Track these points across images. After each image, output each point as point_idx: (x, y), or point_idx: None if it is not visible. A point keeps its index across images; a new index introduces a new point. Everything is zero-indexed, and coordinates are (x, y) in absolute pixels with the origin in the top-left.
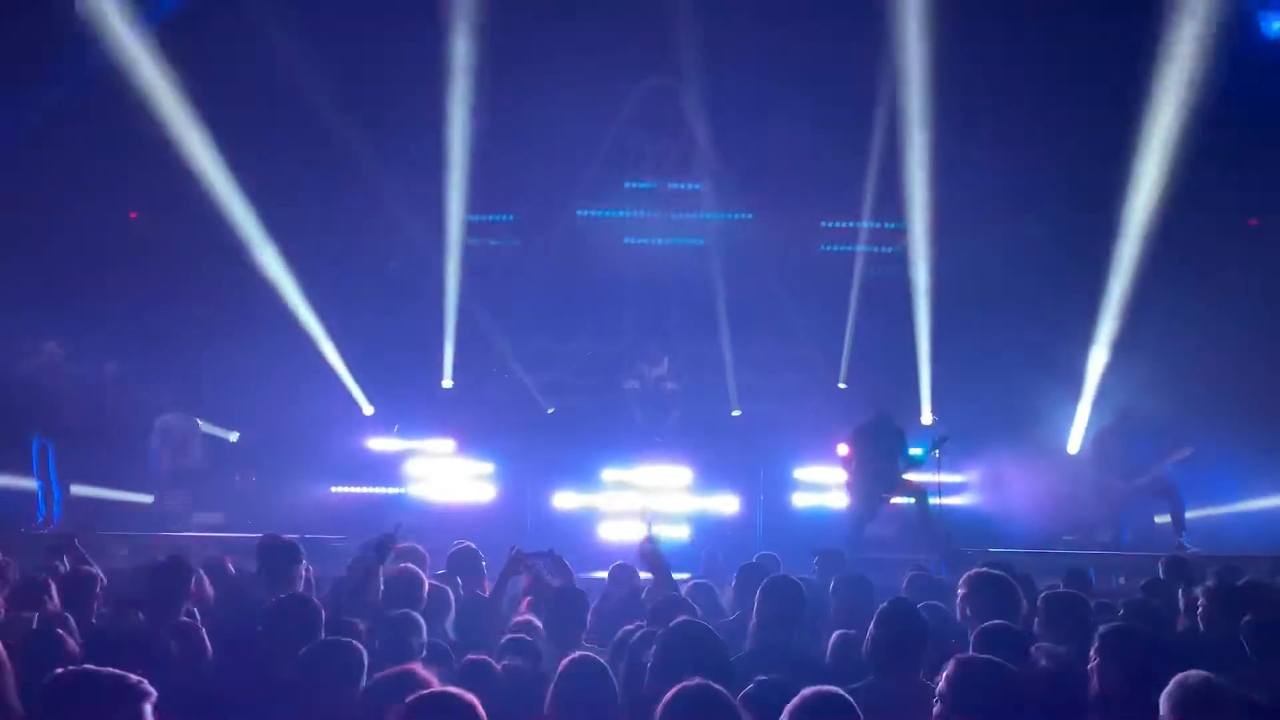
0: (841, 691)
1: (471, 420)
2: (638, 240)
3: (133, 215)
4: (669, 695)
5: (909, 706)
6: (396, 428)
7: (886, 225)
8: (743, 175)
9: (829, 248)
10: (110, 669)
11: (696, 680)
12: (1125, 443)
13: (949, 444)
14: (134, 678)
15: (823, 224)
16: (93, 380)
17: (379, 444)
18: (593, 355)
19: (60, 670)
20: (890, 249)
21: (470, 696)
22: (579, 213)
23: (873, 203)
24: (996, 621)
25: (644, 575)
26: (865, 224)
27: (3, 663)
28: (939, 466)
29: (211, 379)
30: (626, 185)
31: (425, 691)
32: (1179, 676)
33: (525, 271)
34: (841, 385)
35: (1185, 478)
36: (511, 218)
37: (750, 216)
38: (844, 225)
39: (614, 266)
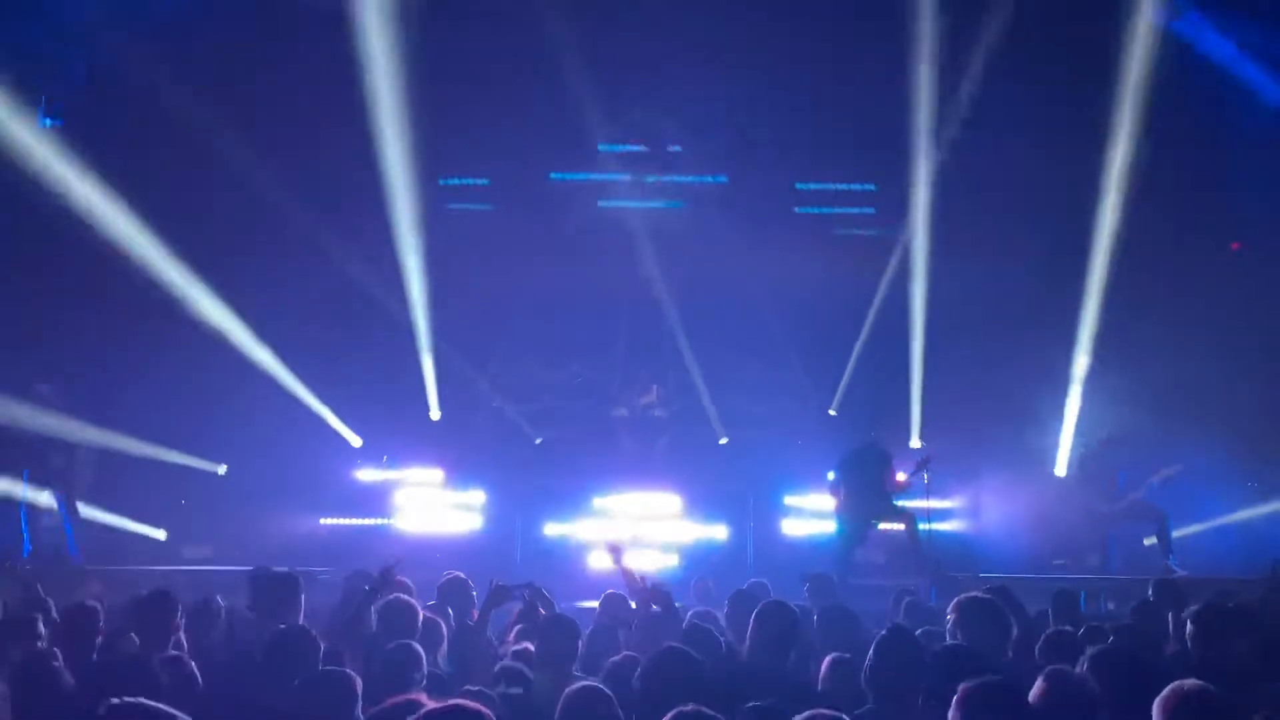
0: (844, 717)
1: (460, 451)
2: (613, 204)
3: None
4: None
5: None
6: (385, 459)
7: (861, 186)
8: (718, 137)
9: (805, 209)
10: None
11: (692, 707)
12: (1110, 466)
13: (934, 467)
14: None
15: (796, 185)
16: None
17: (367, 475)
18: (582, 382)
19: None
20: (869, 210)
21: (479, 707)
22: (553, 175)
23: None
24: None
25: (633, 604)
26: (839, 185)
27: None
28: (927, 491)
29: (199, 412)
30: (601, 149)
31: (440, 705)
32: (1174, 684)
33: (500, 241)
34: (832, 412)
35: (1169, 495)
36: (487, 182)
37: (725, 179)
38: (818, 187)
39: (593, 241)
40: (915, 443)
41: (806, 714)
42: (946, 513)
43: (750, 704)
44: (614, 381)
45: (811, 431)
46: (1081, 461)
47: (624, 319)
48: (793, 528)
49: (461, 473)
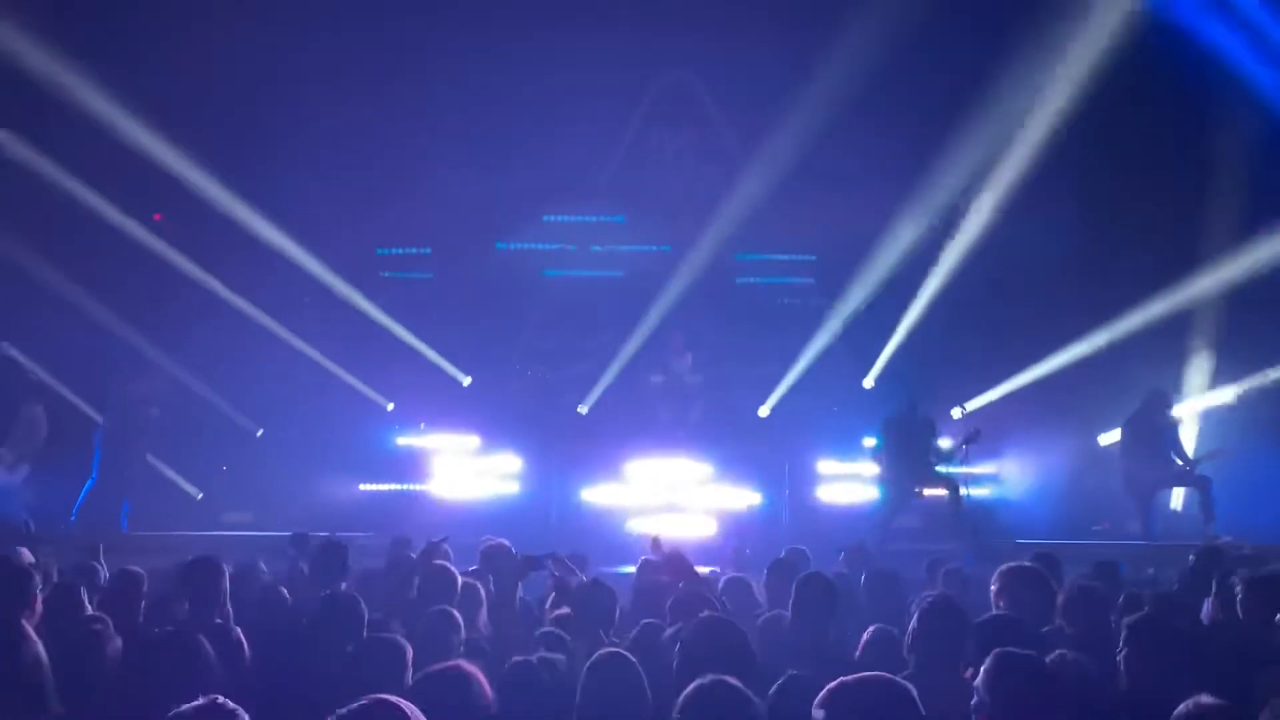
0: (899, 679)
1: (495, 416)
2: (557, 273)
3: (157, 217)
4: (686, 692)
5: (949, 700)
6: (422, 425)
7: (798, 258)
8: (661, 208)
9: (745, 280)
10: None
11: (712, 677)
12: (1155, 433)
13: (974, 433)
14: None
15: (736, 257)
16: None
17: (405, 440)
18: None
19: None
20: (806, 280)
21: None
22: (498, 245)
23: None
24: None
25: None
26: (779, 256)
27: (42, 663)
28: (967, 460)
29: (238, 375)
30: (546, 219)
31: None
32: (1191, 702)
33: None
34: (868, 384)
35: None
36: (429, 250)
37: (668, 249)
38: (758, 258)
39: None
40: (956, 413)
41: (857, 675)
42: (985, 478)
43: (790, 673)
44: (648, 348)
45: (846, 398)
46: (1128, 427)
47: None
48: (828, 494)
49: (497, 437)
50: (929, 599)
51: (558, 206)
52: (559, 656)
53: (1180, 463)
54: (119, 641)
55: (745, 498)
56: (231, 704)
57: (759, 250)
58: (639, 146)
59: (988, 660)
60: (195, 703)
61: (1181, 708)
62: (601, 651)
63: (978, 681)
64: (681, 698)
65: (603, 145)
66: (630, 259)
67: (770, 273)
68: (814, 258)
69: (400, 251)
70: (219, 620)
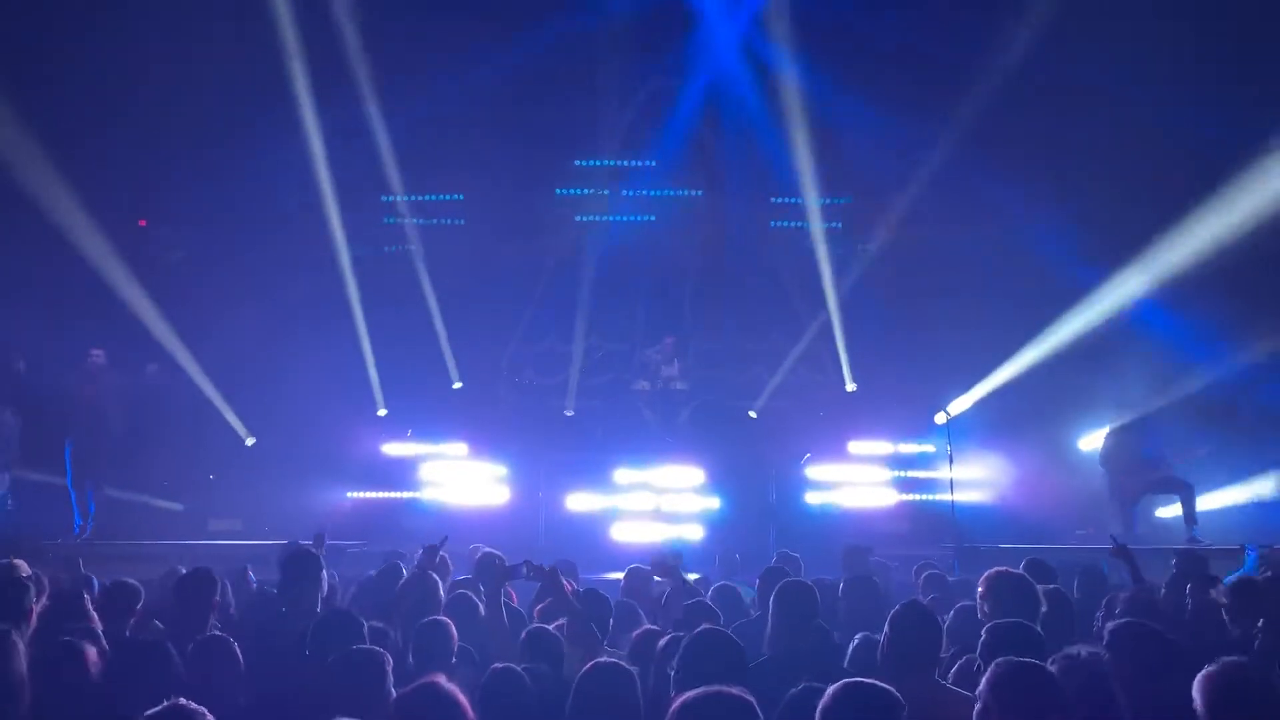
0: (888, 687)
1: (484, 424)
2: (589, 218)
3: (141, 224)
4: (681, 701)
5: (923, 707)
6: (410, 432)
7: (834, 200)
8: (692, 152)
9: (779, 223)
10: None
11: (716, 688)
12: (1137, 439)
13: (958, 439)
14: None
15: (772, 199)
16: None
17: (394, 449)
18: (603, 355)
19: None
20: (837, 224)
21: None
22: (558, 191)
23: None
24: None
25: (658, 579)
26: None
27: (22, 683)
28: (950, 461)
29: (231, 384)
30: (578, 164)
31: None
32: (1220, 663)
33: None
34: (850, 388)
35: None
36: (461, 197)
37: (700, 193)
38: (791, 201)
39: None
40: (940, 418)
41: (842, 682)
42: (969, 483)
43: (803, 684)
44: (634, 353)
45: (832, 403)
46: (1111, 434)
47: (640, 293)
48: (815, 498)
49: (486, 444)
50: (898, 607)
51: (589, 151)
52: (542, 668)
53: (1162, 468)
54: (94, 653)
55: (733, 503)
56: (195, 706)
57: (793, 194)
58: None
59: (992, 666)
60: (158, 707)
61: (1212, 668)
62: (595, 661)
63: (980, 686)
64: (681, 704)
65: (632, 90)
66: (662, 204)
67: (804, 216)
68: (847, 199)
69: (432, 199)
70: (209, 631)
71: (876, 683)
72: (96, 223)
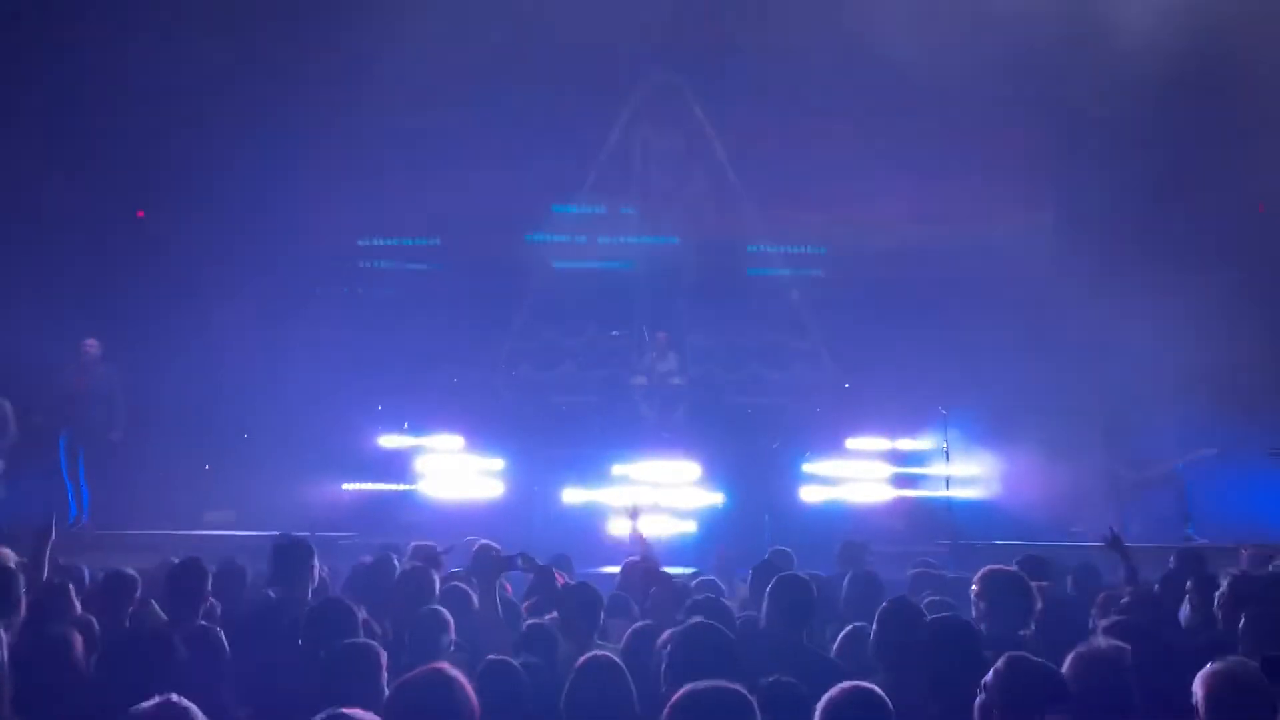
0: (874, 688)
1: (480, 417)
2: (567, 264)
3: (139, 215)
4: (681, 694)
5: (915, 702)
6: (406, 424)
7: (806, 249)
8: (670, 199)
9: (755, 271)
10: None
11: (713, 683)
12: (1135, 433)
13: (955, 435)
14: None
15: (748, 248)
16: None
17: (389, 441)
18: (601, 349)
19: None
20: (816, 272)
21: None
22: (527, 238)
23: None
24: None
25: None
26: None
27: (3, 675)
28: (947, 457)
29: (224, 375)
30: (555, 209)
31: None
32: (1221, 662)
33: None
34: (847, 385)
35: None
36: (437, 241)
37: (676, 240)
38: (768, 249)
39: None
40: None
41: (841, 685)
42: (965, 479)
43: (770, 679)
44: (631, 348)
45: (829, 398)
46: (1108, 428)
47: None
48: (811, 494)
49: (482, 437)
50: (885, 604)
51: (565, 198)
52: (535, 660)
53: (1162, 464)
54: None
55: (728, 498)
56: (185, 702)
57: (769, 242)
58: (641, 141)
59: (999, 662)
60: (148, 702)
61: (1213, 667)
62: (588, 655)
63: (986, 679)
64: (675, 699)
65: (607, 137)
66: (639, 251)
67: (780, 264)
68: (824, 250)
69: (406, 243)
70: (200, 622)
71: (867, 685)
72: (92, 212)
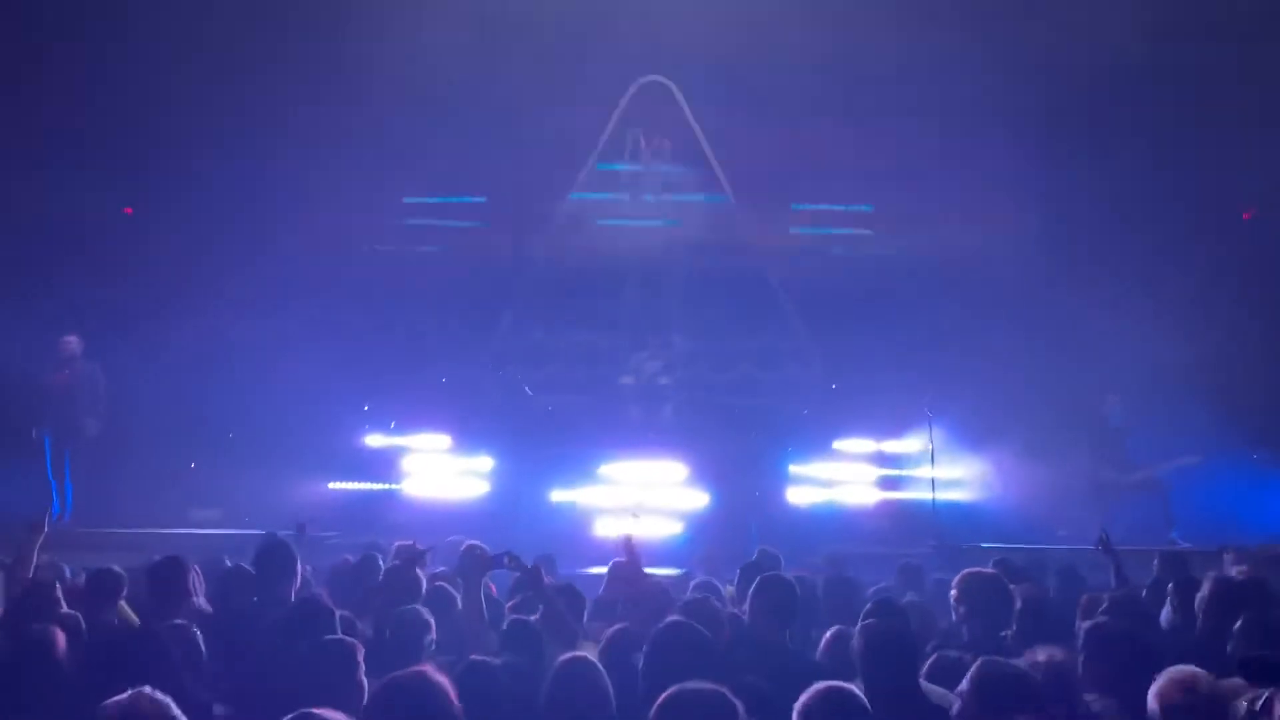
0: (852, 688)
1: (467, 416)
2: (612, 222)
3: (127, 211)
4: (664, 697)
5: (899, 705)
6: (393, 424)
7: (854, 208)
8: (717, 157)
9: (801, 229)
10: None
11: (697, 685)
12: (1122, 437)
13: (941, 437)
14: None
15: (793, 206)
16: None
17: (375, 440)
18: (589, 350)
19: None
20: (863, 231)
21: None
22: (573, 196)
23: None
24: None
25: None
26: (835, 206)
27: None
28: (933, 459)
29: (210, 373)
30: (600, 167)
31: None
32: (1170, 671)
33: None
34: (834, 386)
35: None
36: (483, 199)
37: (724, 198)
38: (814, 208)
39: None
40: None
41: (818, 686)
42: (951, 481)
43: (745, 679)
44: (619, 348)
45: (817, 399)
46: (1096, 431)
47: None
48: (798, 496)
49: (468, 436)
50: (868, 606)
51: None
52: (517, 660)
53: (1147, 469)
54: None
55: (715, 499)
56: (160, 695)
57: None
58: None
59: (973, 669)
60: (122, 695)
61: (1162, 678)
62: (566, 656)
63: (961, 688)
64: (662, 700)
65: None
66: (684, 208)
67: (826, 223)
68: (868, 207)
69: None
70: (178, 621)
71: (844, 685)
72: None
